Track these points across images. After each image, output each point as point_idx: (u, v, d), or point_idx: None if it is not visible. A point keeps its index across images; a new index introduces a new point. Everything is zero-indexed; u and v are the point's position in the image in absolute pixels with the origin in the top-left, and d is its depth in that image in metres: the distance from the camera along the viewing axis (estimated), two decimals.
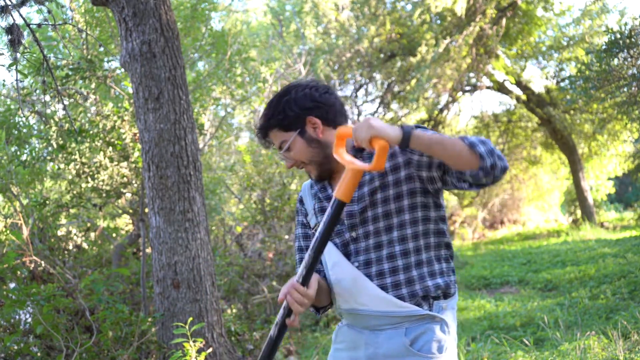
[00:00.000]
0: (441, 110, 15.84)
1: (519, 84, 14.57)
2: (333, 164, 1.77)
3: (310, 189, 1.91)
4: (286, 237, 7.16)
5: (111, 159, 5.77)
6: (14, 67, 3.82)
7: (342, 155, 1.66)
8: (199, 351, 3.64)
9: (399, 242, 1.71)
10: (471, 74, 14.50)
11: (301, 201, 1.95)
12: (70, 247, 6.72)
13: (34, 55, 5.20)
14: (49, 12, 4.20)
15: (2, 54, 4.03)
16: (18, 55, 3.75)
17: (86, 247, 7.01)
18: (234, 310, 5.99)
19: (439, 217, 1.75)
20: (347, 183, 1.60)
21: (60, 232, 6.79)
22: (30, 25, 3.86)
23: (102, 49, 6.81)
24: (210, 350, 3.93)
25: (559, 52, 13.91)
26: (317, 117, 1.75)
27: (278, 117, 1.76)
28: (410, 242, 1.71)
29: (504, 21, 12.70)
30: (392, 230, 1.71)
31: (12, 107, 7.35)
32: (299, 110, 1.74)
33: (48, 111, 6.54)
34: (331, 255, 1.78)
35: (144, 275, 5.10)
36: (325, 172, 1.80)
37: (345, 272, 1.75)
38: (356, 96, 16.24)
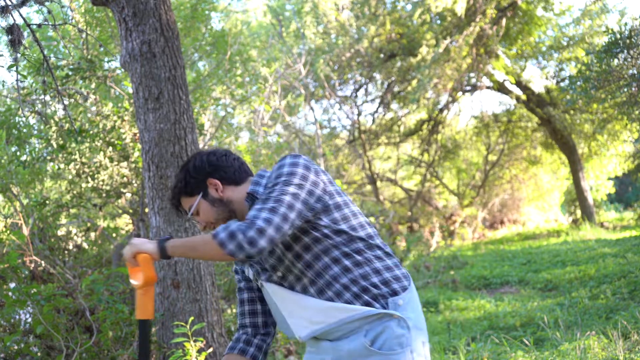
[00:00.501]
0: (441, 110, 15.85)
1: (519, 84, 14.57)
2: (240, 218, 1.93)
3: None
4: None
5: (111, 159, 5.77)
6: (14, 68, 3.82)
7: (132, 279, 1.83)
8: (199, 351, 3.64)
9: (315, 261, 1.81)
10: (471, 74, 14.50)
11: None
12: (70, 247, 6.73)
13: (34, 55, 5.21)
14: (49, 12, 4.20)
15: (2, 55, 4.03)
16: (18, 55, 3.75)
17: (86, 247, 7.01)
18: (234, 310, 5.99)
19: (333, 231, 1.81)
20: (139, 301, 1.81)
21: (60, 232, 6.80)
22: (31, 26, 3.86)
23: (102, 49, 6.82)
24: (210, 350, 3.93)
25: (559, 52, 13.90)
26: (216, 178, 1.93)
27: (180, 185, 1.94)
28: (325, 257, 1.81)
29: (504, 21, 12.70)
30: (301, 257, 1.82)
31: (13, 107, 7.35)
32: (199, 175, 1.93)
33: (48, 111, 6.55)
34: (276, 294, 1.90)
35: None
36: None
37: (293, 302, 1.87)
38: (356, 96, 16.24)
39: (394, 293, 1.79)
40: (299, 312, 1.86)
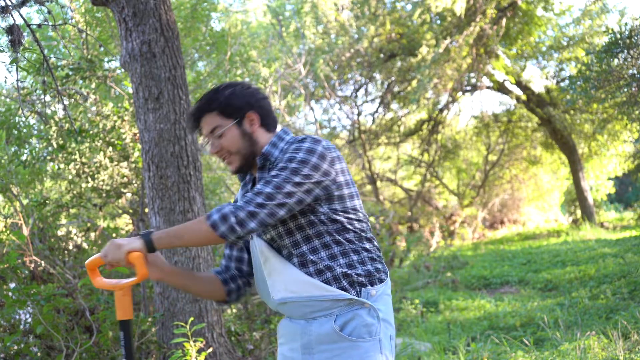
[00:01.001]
0: (441, 110, 15.85)
1: (519, 84, 14.57)
2: (254, 160, 1.91)
3: (241, 192, 2.04)
4: None
5: (111, 159, 5.76)
6: (15, 64, 3.82)
7: (105, 283, 1.84)
8: (199, 351, 3.64)
9: (305, 242, 1.84)
10: (471, 74, 14.49)
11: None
12: (70, 247, 6.72)
13: (34, 56, 5.20)
14: (49, 12, 4.20)
15: (3, 50, 4.02)
16: (18, 55, 3.75)
17: (86, 247, 7.01)
18: (234, 310, 5.99)
19: (329, 219, 1.84)
20: (124, 302, 1.79)
21: (60, 232, 6.79)
22: (30, 26, 3.86)
23: (102, 49, 6.81)
24: (210, 350, 3.93)
25: (559, 52, 13.90)
26: (257, 113, 1.91)
27: (222, 102, 1.88)
28: (315, 240, 1.83)
29: (504, 21, 12.69)
30: (292, 234, 1.84)
31: (13, 107, 7.35)
32: (243, 103, 1.89)
33: (48, 111, 6.54)
34: (263, 252, 1.89)
35: None
36: (246, 167, 1.94)
37: (276, 264, 1.87)
38: (356, 96, 16.24)
39: (370, 283, 1.84)
40: (278, 276, 1.87)
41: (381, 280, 1.86)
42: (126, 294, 1.81)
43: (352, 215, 1.86)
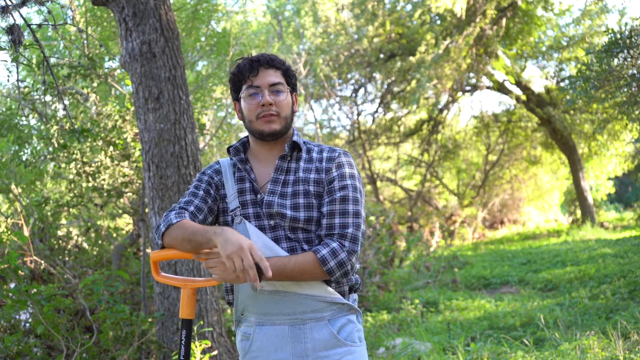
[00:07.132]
0: (441, 110, 15.85)
1: (518, 84, 14.57)
2: (283, 136, 1.90)
3: (231, 169, 1.92)
4: None
5: (112, 159, 5.77)
6: (16, 62, 3.82)
7: (172, 278, 1.83)
8: (202, 352, 3.65)
9: (304, 243, 1.81)
10: (471, 74, 14.50)
11: (218, 172, 1.94)
12: (70, 247, 6.73)
13: (34, 56, 5.20)
14: (49, 12, 4.20)
15: (4, 49, 4.02)
16: (19, 49, 3.75)
17: (86, 247, 7.02)
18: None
19: None
20: (192, 301, 1.77)
21: (61, 232, 6.80)
22: (31, 26, 3.86)
23: (102, 48, 6.82)
24: (215, 353, 3.93)
25: (559, 52, 13.91)
26: (296, 98, 1.99)
27: (288, 68, 1.92)
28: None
29: (504, 21, 12.70)
30: (297, 237, 1.81)
31: (13, 106, 7.36)
32: (296, 81, 1.97)
33: (48, 111, 6.55)
34: (259, 236, 1.79)
35: (144, 275, 5.10)
36: (281, 133, 1.88)
37: (277, 254, 1.76)
38: (356, 96, 16.24)
39: (355, 291, 1.88)
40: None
41: (359, 289, 1.90)
42: (194, 293, 1.79)
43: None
